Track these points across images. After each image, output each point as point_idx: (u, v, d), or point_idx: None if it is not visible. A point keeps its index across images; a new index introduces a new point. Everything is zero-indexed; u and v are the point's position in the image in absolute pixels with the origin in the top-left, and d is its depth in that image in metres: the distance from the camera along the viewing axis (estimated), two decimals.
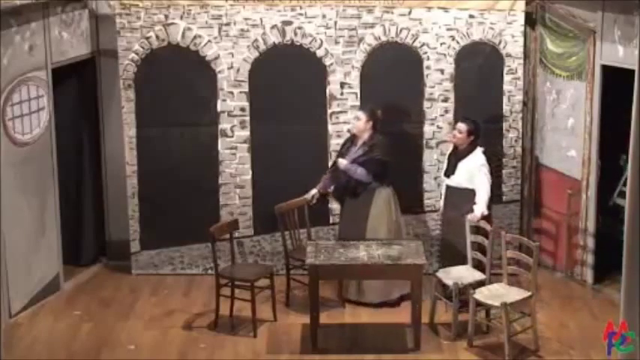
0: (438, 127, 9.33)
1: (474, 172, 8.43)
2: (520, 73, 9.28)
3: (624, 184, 7.97)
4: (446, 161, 8.69)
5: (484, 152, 8.55)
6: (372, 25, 9.17)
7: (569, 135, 9.07)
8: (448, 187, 8.62)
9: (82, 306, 8.77)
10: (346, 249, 8.10)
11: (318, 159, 9.30)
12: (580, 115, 8.89)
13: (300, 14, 9.14)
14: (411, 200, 9.36)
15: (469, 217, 8.31)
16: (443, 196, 8.71)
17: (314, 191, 8.75)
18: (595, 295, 8.93)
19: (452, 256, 8.54)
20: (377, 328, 8.29)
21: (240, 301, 8.26)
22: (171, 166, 9.31)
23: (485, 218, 8.35)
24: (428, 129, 9.33)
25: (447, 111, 9.31)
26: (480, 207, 8.35)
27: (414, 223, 9.43)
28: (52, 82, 8.80)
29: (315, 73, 9.24)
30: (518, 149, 9.40)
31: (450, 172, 8.57)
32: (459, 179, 8.50)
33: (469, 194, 8.42)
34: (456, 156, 8.56)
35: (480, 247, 8.22)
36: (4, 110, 8.23)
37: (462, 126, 8.54)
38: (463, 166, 8.49)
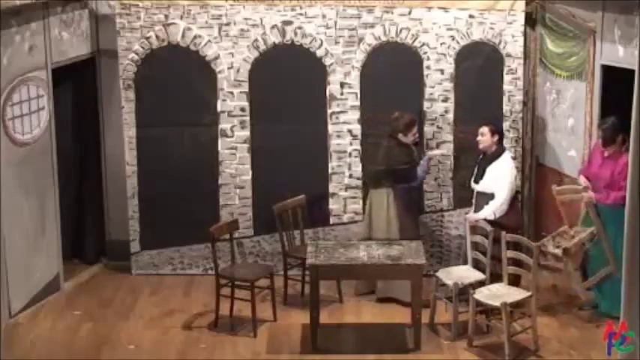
0: (438, 127, 9.33)
1: (498, 178, 8.35)
2: (520, 73, 9.28)
3: None
4: (476, 167, 8.55)
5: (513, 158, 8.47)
6: (372, 25, 9.17)
7: (569, 135, 9.07)
8: (477, 193, 8.49)
9: (82, 306, 8.77)
10: (346, 249, 8.10)
11: (318, 159, 9.31)
12: (580, 115, 8.88)
13: (300, 14, 9.14)
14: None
15: (468, 216, 8.28)
16: (474, 204, 8.57)
17: None
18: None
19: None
20: (377, 328, 8.29)
21: (240, 301, 8.27)
22: (171, 166, 9.31)
23: (501, 224, 8.18)
24: (428, 129, 9.33)
25: (447, 111, 9.31)
26: (487, 212, 8.24)
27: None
28: (52, 82, 8.80)
29: (315, 73, 9.24)
30: (519, 149, 9.40)
31: (479, 177, 8.44)
32: (486, 184, 8.36)
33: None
34: (485, 160, 8.44)
35: (480, 247, 8.21)
36: (4, 110, 8.23)
37: (483, 129, 8.41)
38: (491, 170, 8.35)
